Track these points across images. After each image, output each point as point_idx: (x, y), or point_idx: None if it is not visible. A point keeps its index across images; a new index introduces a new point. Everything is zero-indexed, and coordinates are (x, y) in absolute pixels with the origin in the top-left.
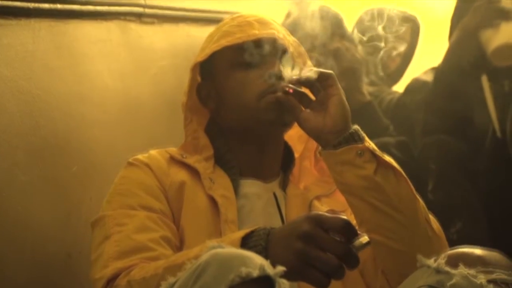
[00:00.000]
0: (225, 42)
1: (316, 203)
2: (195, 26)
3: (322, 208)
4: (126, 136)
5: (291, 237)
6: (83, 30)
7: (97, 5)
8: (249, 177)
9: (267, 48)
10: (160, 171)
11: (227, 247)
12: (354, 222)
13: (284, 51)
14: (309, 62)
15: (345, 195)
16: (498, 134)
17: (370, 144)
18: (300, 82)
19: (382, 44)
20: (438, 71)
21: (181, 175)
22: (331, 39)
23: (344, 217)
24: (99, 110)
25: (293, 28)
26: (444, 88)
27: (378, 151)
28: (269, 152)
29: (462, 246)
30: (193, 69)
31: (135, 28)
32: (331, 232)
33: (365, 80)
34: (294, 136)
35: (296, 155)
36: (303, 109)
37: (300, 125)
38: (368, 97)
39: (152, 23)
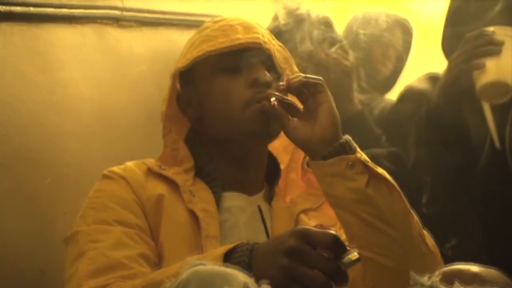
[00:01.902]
0: (207, 47)
1: (303, 217)
2: (175, 30)
3: (309, 223)
4: (102, 147)
5: (276, 253)
6: (57, 34)
7: (72, 9)
8: (232, 190)
9: (251, 53)
10: (137, 184)
11: (209, 264)
12: (343, 237)
13: (270, 56)
14: (295, 68)
15: (335, 209)
16: (497, 144)
17: (361, 155)
18: (288, 89)
19: (373, 49)
20: (431, 104)
21: (159, 188)
22: (320, 45)
23: (333, 232)
24: (74, 120)
25: (280, 32)
26: (438, 114)
27: (370, 163)
28: (253, 164)
29: (458, 263)
30: (174, 76)
31: (112, 32)
32: (318, 248)
33: (355, 87)
34: (279, 146)
35: (282, 166)
36: (291, 118)
37: (288, 135)
38: (359, 106)
39: (130, 27)
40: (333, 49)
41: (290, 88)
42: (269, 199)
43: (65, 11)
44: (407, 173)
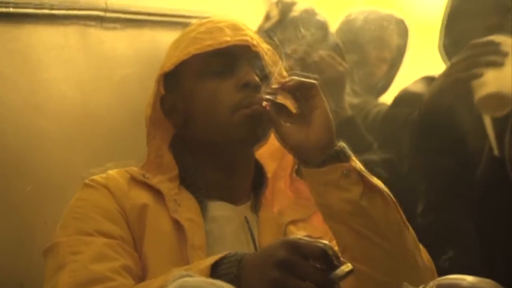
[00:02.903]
0: (193, 50)
1: (291, 228)
2: (161, 30)
3: (298, 234)
4: (86, 152)
5: (266, 265)
6: (38, 35)
7: (54, 9)
8: (218, 199)
9: (240, 56)
10: (120, 193)
11: (195, 276)
12: (335, 248)
13: (258, 59)
14: (284, 72)
15: (327, 219)
16: (495, 151)
17: (356, 163)
18: (280, 91)
19: (367, 50)
20: (422, 108)
21: (143, 197)
22: (313, 47)
23: (325, 242)
24: (56, 123)
25: (272, 32)
26: (430, 119)
27: (365, 172)
28: (240, 172)
29: (453, 275)
30: (159, 80)
31: (96, 33)
32: (310, 259)
33: (348, 91)
34: (265, 153)
35: (269, 175)
36: (283, 123)
37: (281, 141)
38: (349, 112)
39: (114, 27)
40: (328, 52)
41: (283, 90)
42: (256, 209)
43: (46, 11)
44: (401, 181)
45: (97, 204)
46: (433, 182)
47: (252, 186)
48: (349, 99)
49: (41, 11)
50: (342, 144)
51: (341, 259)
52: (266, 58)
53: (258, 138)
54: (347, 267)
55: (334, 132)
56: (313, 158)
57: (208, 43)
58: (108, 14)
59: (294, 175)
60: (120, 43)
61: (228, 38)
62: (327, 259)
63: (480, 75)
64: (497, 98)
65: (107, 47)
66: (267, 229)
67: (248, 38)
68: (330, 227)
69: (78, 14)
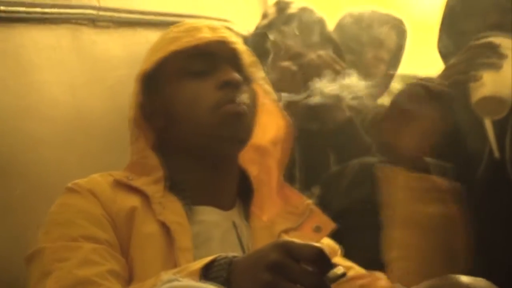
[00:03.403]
0: (172, 47)
1: (284, 236)
2: (155, 30)
3: None
4: (78, 156)
5: (257, 267)
6: (29, 35)
7: (45, 8)
8: (204, 203)
9: (219, 55)
10: (106, 197)
11: (185, 280)
12: None
13: (237, 58)
14: (262, 73)
15: None
16: (496, 154)
17: None
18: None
19: (364, 50)
20: None
21: (131, 200)
22: (310, 45)
23: (318, 244)
24: (48, 127)
25: (270, 30)
26: None
27: None
28: (224, 175)
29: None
30: (139, 80)
31: (88, 33)
32: (302, 262)
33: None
34: (245, 158)
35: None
36: None
37: None
38: (348, 113)
39: (107, 27)
40: (327, 51)
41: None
42: (244, 215)
43: (37, 10)
44: None
45: (82, 209)
46: None
47: (237, 191)
48: (347, 100)
49: (33, 10)
50: None
51: (333, 262)
52: (245, 57)
53: (241, 137)
54: (339, 269)
55: None
56: None
57: (186, 40)
58: (101, 14)
59: (282, 180)
60: (113, 44)
61: (207, 35)
62: (322, 260)
63: (478, 78)
64: (495, 101)
65: (100, 48)
66: (261, 239)
67: (226, 35)
68: None
69: (70, 14)
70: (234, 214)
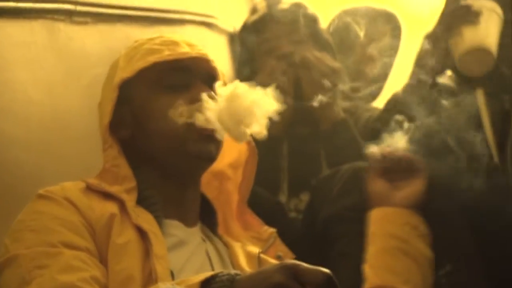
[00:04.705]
0: (154, 58)
1: (263, 256)
2: (135, 26)
3: (272, 261)
4: (55, 158)
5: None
6: (2, 30)
7: (19, 2)
8: (171, 217)
9: (196, 72)
10: (83, 204)
11: None
12: None
13: (214, 76)
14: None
15: None
16: (496, 159)
17: None
18: None
19: (359, 49)
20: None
21: (109, 207)
22: (302, 45)
23: (326, 270)
24: (22, 127)
25: (259, 26)
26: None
27: None
28: (190, 192)
29: None
30: (117, 87)
31: (65, 28)
32: (308, 286)
33: (338, 94)
34: (203, 180)
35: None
36: None
37: None
38: (342, 114)
39: (85, 23)
40: (319, 49)
41: None
42: (215, 234)
43: (11, 4)
44: None
45: (59, 216)
46: (429, 191)
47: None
48: (339, 102)
49: (6, 4)
50: None
51: None
52: (220, 77)
53: (210, 157)
54: None
55: None
56: None
57: (168, 53)
58: (79, 8)
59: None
60: (91, 40)
61: (187, 50)
62: (330, 286)
63: (458, 33)
64: (478, 52)
65: (76, 44)
66: (239, 256)
67: (205, 53)
68: None
69: (46, 8)
70: (198, 232)
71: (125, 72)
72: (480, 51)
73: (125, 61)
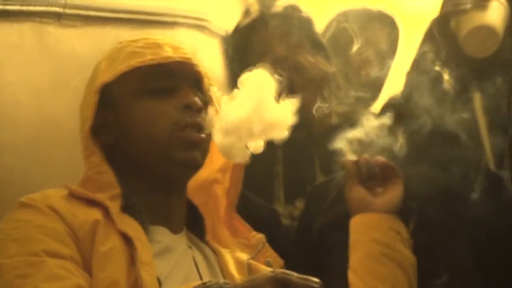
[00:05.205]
0: (135, 62)
1: (253, 262)
2: (125, 29)
3: (262, 268)
4: (43, 164)
5: None
6: None
7: (7, 4)
8: (157, 223)
9: (180, 75)
10: (66, 212)
11: None
12: None
13: (199, 79)
14: (218, 100)
15: None
16: (492, 166)
17: None
18: None
19: (356, 52)
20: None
21: (93, 213)
22: (296, 49)
23: (317, 281)
24: (9, 131)
25: (252, 29)
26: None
27: None
28: (176, 199)
29: None
30: (98, 91)
31: (53, 31)
32: None
33: (333, 99)
34: (191, 186)
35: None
36: None
37: None
38: (336, 119)
39: (74, 25)
40: (313, 53)
41: None
42: (202, 241)
43: None
44: None
45: (41, 224)
46: (426, 198)
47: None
48: (334, 107)
49: None
50: None
51: None
52: (205, 80)
53: (197, 164)
54: None
55: None
56: None
57: (150, 57)
58: (68, 11)
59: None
60: (80, 43)
61: (170, 54)
62: None
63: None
64: (484, 31)
65: (66, 47)
66: (229, 263)
67: (190, 56)
68: None
69: (34, 10)
70: (184, 238)
71: (106, 76)
72: (486, 29)
73: (107, 64)
